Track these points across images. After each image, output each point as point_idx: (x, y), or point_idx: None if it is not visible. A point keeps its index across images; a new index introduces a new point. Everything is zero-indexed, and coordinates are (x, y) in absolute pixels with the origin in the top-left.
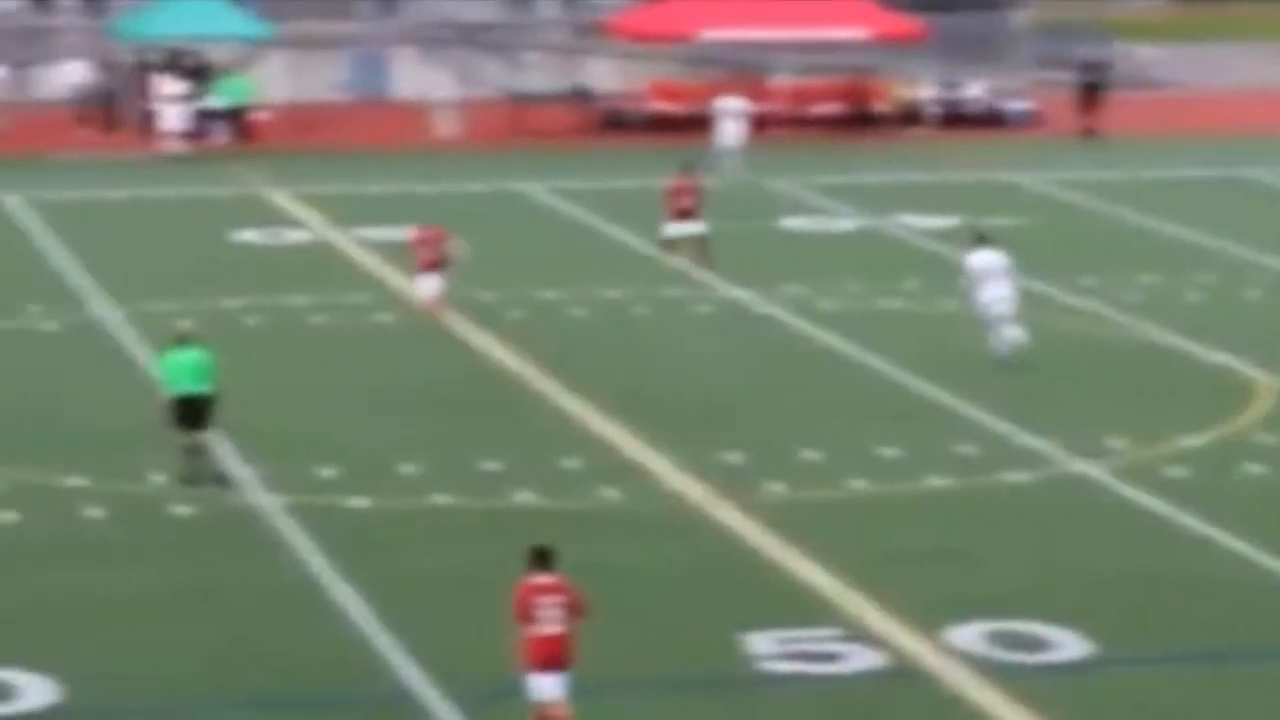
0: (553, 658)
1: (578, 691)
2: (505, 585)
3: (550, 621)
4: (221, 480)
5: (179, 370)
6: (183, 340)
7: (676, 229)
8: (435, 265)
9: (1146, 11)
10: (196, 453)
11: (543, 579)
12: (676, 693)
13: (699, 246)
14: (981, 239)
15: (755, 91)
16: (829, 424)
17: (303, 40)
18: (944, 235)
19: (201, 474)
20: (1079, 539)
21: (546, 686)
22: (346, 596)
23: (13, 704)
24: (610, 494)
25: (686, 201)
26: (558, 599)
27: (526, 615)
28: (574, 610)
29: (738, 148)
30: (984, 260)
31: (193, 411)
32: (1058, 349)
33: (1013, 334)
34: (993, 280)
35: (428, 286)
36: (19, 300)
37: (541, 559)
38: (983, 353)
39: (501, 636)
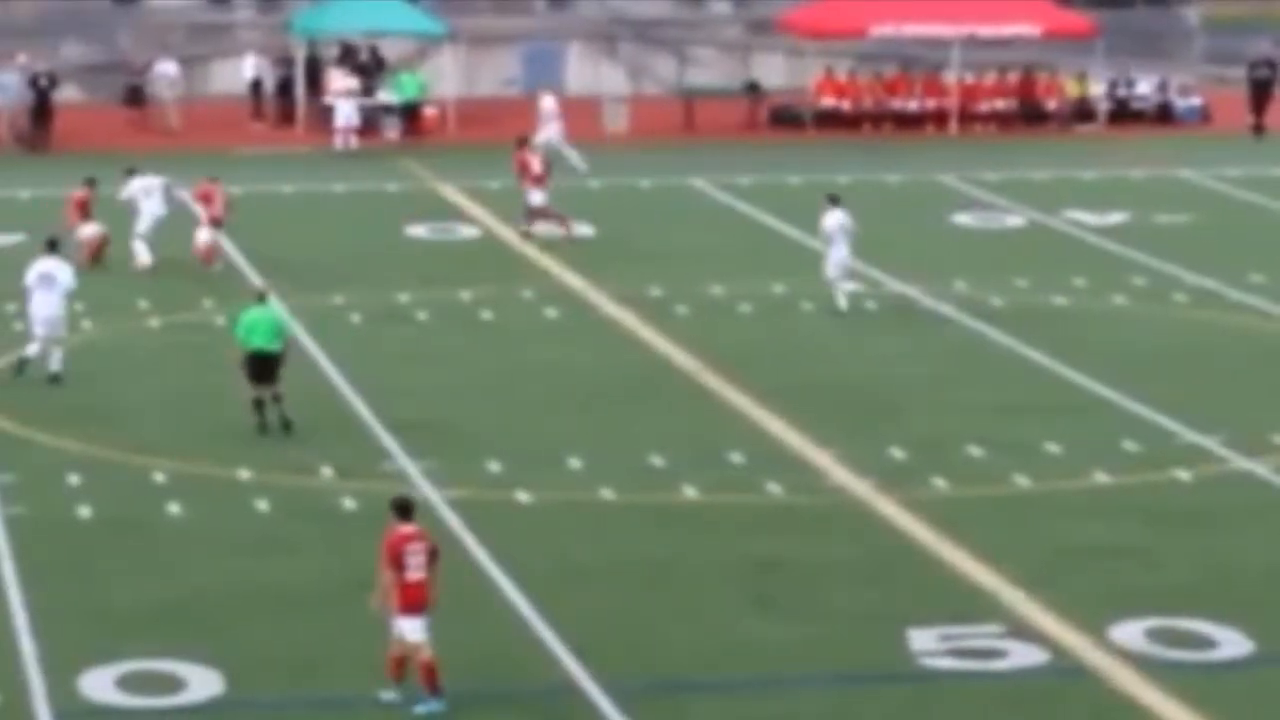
0: (419, 602)
1: (744, 686)
2: (670, 581)
3: (417, 568)
4: (288, 426)
5: (254, 328)
6: (260, 300)
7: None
8: (216, 221)
9: None
10: (267, 405)
11: (408, 528)
12: (838, 688)
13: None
14: (833, 200)
15: (927, 87)
16: (994, 420)
17: (476, 36)
18: (1113, 232)
19: (270, 424)
20: (1243, 536)
21: (414, 628)
22: (510, 590)
23: (179, 696)
24: (775, 489)
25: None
26: (422, 546)
27: (398, 563)
28: (433, 557)
29: (562, 144)
30: (835, 220)
31: (264, 367)
32: (1225, 345)
33: (847, 289)
34: (837, 242)
35: (203, 237)
36: (194, 295)
37: (404, 510)
38: (1149, 349)
39: (664, 631)
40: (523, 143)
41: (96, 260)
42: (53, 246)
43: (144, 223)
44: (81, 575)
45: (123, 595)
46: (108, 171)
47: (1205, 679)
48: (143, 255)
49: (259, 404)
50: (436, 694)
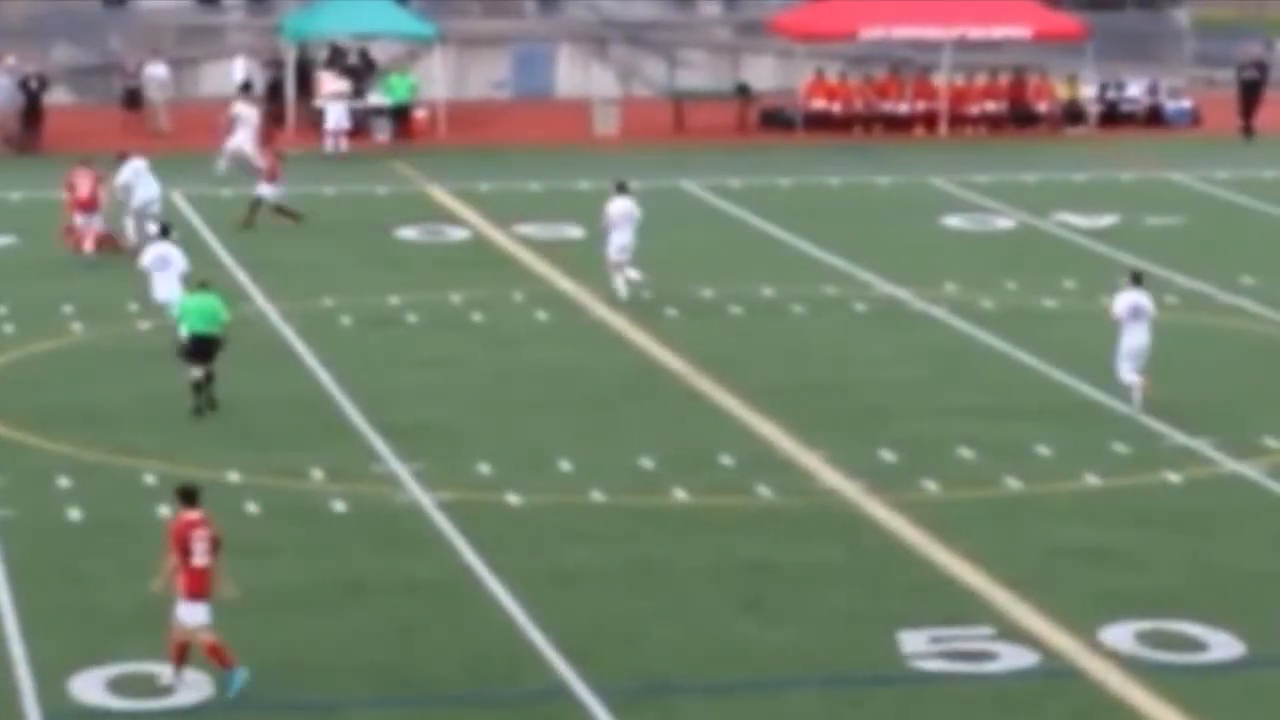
0: (203, 588)
1: (735, 688)
2: (660, 583)
3: (201, 555)
4: (213, 406)
5: (195, 312)
6: (202, 286)
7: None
8: (88, 206)
9: None
10: (202, 386)
11: (194, 515)
12: (829, 690)
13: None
14: (620, 187)
15: (917, 90)
16: (984, 422)
17: (466, 38)
18: (1103, 234)
19: (208, 404)
20: (1234, 539)
21: (197, 614)
22: (500, 592)
23: (170, 698)
24: (765, 491)
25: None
26: (207, 533)
27: (183, 548)
28: (216, 545)
29: (251, 152)
30: (619, 208)
31: (203, 349)
32: (1215, 348)
33: (629, 276)
34: (620, 228)
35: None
36: None
37: (189, 496)
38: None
39: (654, 633)
40: None
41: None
42: (165, 232)
43: (137, 202)
44: (71, 577)
45: (113, 597)
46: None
47: (1195, 681)
48: (131, 234)
49: (197, 387)
50: (230, 667)
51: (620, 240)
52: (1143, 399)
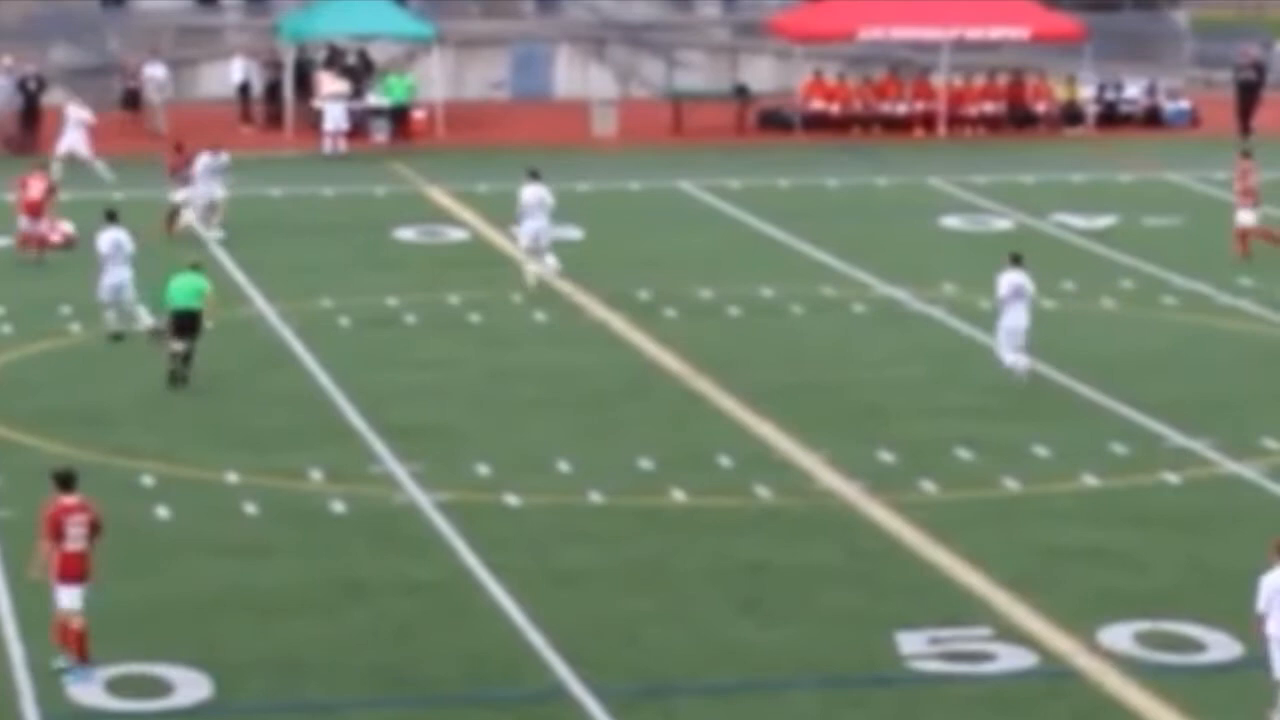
0: (75, 571)
1: (733, 690)
2: (659, 584)
3: (76, 539)
4: (185, 380)
5: (179, 290)
6: (193, 267)
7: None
8: (35, 210)
9: None
10: (182, 359)
11: (70, 500)
12: (827, 691)
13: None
14: (533, 174)
15: (916, 90)
16: (983, 423)
17: (464, 39)
18: (1101, 235)
19: (183, 377)
20: (1232, 540)
21: (69, 597)
22: (499, 593)
23: (167, 699)
24: (763, 491)
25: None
26: (83, 518)
27: (57, 533)
28: (94, 530)
29: (87, 154)
30: (531, 195)
31: (186, 324)
32: (1214, 348)
33: (547, 264)
34: (533, 215)
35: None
36: None
37: (66, 481)
38: (1137, 352)
39: (652, 634)
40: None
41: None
42: (113, 217)
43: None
44: None
45: (111, 598)
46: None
47: (1193, 682)
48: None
49: (174, 358)
50: (84, 661)
51: (533, 227)
52: (1025, 376)
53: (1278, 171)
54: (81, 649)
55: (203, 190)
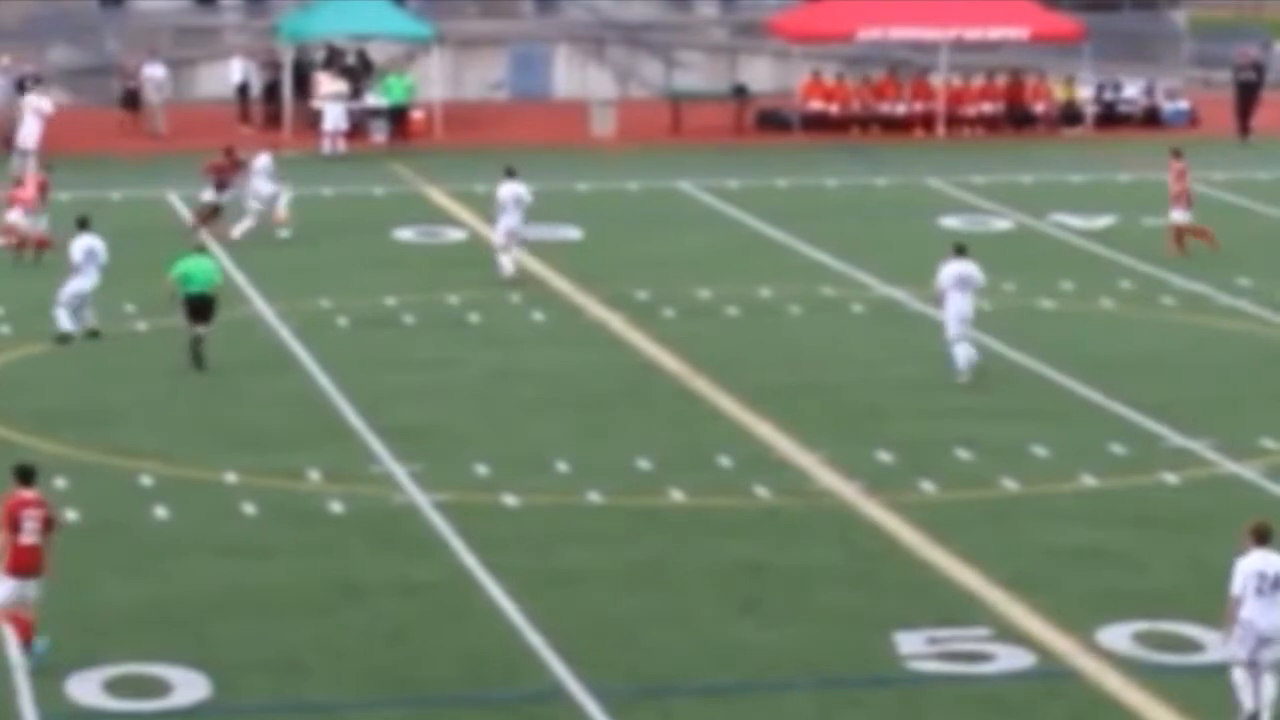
0: (26, 564)
1: (731, 690)
2: (657, 584)
3: (30, 533)
4: (202, 363)
5: (191, 274)
6: (199, 250)
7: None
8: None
9: None
10: (200, 342)
11: (27, 494)
12: (825, 691)
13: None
14: (509, 171)
15: (914, 90)
16: (982, 423)
17: (463, 39)
18: (1100, 235)
19: (203, 360)
20: (1231, 540)
21: (9, 589)
22: (497, 593)
23: (165, 699)
24: (762, 491)
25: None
26: (38, 513)
27: (12, 525)
28: (48, 526)
29: (34, 148)
30: (507, 192)
31: (200, 307)
32: (1213, 349)
33: (512, 257)
34: (509, 212)
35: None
36: None
37: (25, 475)
38: (1137, 353)
39: (651, 635)
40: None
41: (18, 251)
42: (85, 224)
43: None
44: (68, 578)
45: (110, 598)
46: (91, 175)
47: (1192, 682)
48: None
49: (195, 341)
50: (29, 640)
51: (507, 224)
52: (969, 370)
53: (1275, 172)
54: (26, 633)
55: (265, 190)
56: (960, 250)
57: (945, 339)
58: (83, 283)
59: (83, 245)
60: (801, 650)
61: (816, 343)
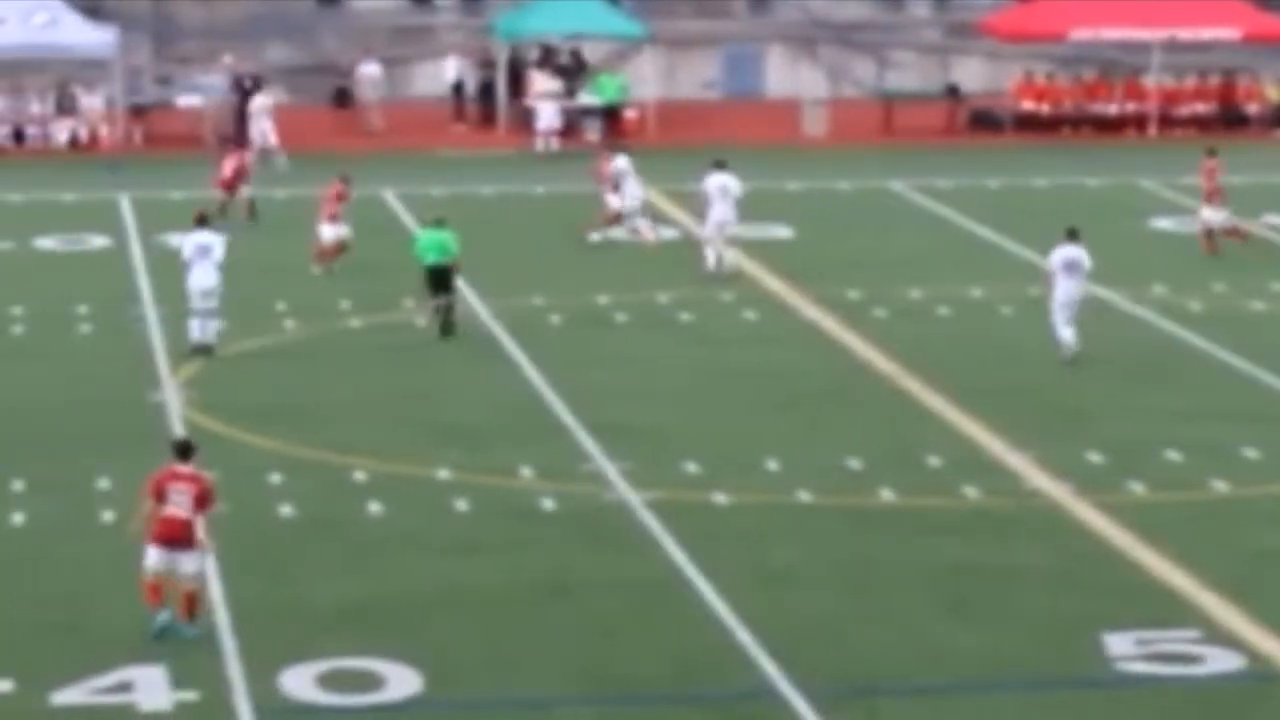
0: (171, 536)
1: (938, 691)
2: (865, 584)
3: (178, 506)
4: (451, 330)
5: (428, 246)
6: (436, 223)
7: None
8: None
9: None
10: (444, 311)
11: (181, 469)
12: (1033, 693)
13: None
14: (719, 164)
15: (1127, 91)
16: (1191, 425)
17: (676, 39)
18: None
19: (450, 327)
20: None
21: (156, 560)
22: (706, 591)
23: (378, 694)
24: (971, 492)
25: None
26: (190, 487)
27: (159, 496)
28: (200, 502)
29: (276, 144)
30: (715, 183)
31: (439, 278)
32: None
33: (716, 251)
34: (717, 203)
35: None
36: (394, 295)
37: (183, 451)
38: None
39: (859, 634)
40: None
41: (325, 262)
42: (203, 221)
43: (629, 203)
44: (282, 573)
45: (323, 593)
46: (311, 172)
47: None
48: (647, 232)
49: (438, 310)
50: (191, 620)
51: (718, 215)
52: (1071, 356)
53: None
54: (157, 601)
55: (633, 192)
56: (1072, 234)
57: (1051, 322)
58: (196, 279)
59: (194, 241)
60: (1008, 651)
61: (1027, 343)
